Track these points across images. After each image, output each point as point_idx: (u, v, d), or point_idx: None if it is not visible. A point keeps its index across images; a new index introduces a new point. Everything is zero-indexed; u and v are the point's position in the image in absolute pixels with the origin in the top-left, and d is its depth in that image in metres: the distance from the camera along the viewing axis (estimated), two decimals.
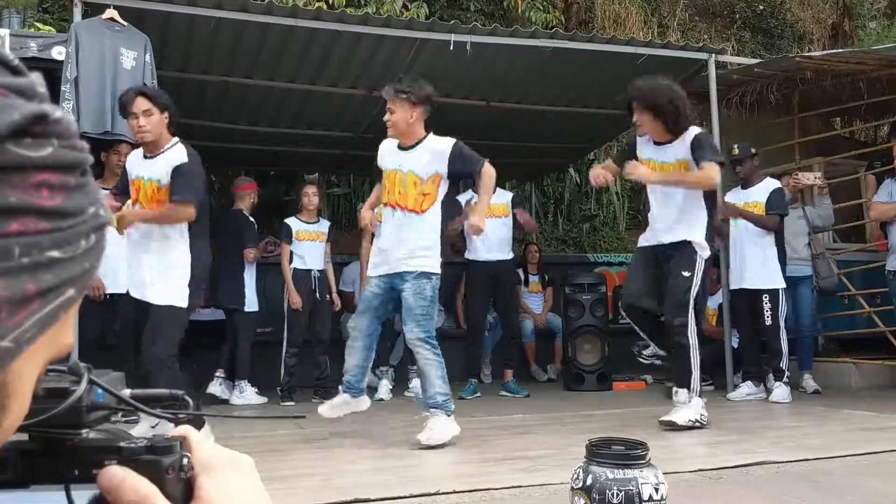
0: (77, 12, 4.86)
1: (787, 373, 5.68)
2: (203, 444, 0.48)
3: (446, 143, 4.22)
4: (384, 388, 6.41)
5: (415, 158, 4.18)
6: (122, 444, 0.46)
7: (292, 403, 5.94)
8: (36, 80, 0.41)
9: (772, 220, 5.80)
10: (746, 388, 5.78)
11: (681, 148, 4.50)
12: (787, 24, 12.59)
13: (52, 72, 4.66)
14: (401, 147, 4.23)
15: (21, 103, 0.39)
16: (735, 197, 6.01)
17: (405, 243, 4.09)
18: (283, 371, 6.07)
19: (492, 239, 6.13)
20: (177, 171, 4.01)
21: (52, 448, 0.46)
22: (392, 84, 4.27)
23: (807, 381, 6.09)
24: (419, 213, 4.13)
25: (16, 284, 0.38)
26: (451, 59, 5.97)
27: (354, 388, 4.29)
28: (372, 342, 4.29)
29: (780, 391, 5.60)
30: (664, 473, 2.11)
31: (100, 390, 0.47)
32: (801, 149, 7.20)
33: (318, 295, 6.24)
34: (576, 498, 2.07)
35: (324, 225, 6.42)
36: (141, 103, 3.96)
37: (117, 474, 0.44)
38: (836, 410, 5.12)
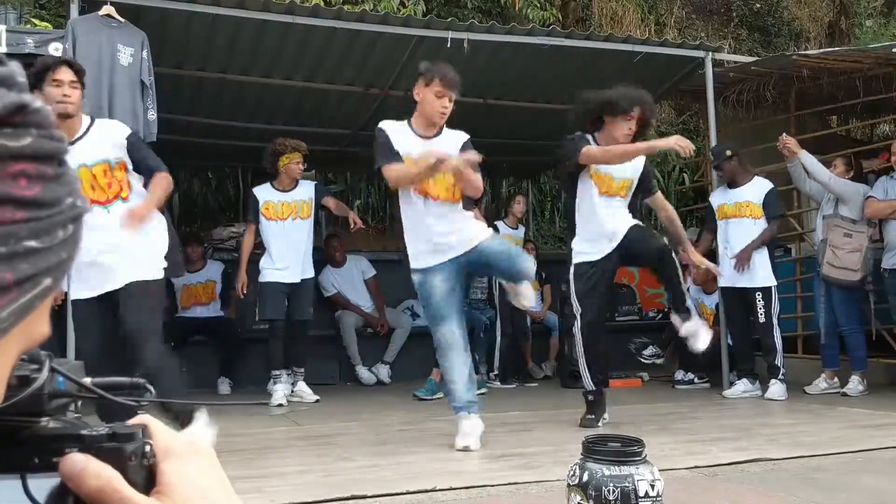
0: (74, 8, 4.85)
1: (782, 370, 5.67)
2: (164, 431, 0.48)
3: (462, 135, 4.10)
4: (384, 372, 6.85)
5: (447, 147, 3.96)
6: (84, 431, 0.45)
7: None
8: (15, 69, 0.41)
9: (774, 229, 5.80)
10: (742, 386, 5.79)
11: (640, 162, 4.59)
12: (784, 22, 12.60)
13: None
14: (423, 135, 3.98)
15: (2, 93, 0.39)
16: (724, 197, 5.95)
17: (456, 230, 3.92)
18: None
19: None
20: (132, 142, 3.71)
21: (11, 436, 0.46)
22: (453, 71, 3.94)
23: (852, 384, 5.72)
24: (453, 202, 3.96)
25: None
26: (449, 57, 5.93)
27: (474, 403, 3.93)
28: (467, 344, 3.96)
29: (776, 388, 5.61)
30: (660, 470, 2.12)
31: (60, 378, 0.47)
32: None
33: None
34: (572, 495, 2.08)
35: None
36: (67, 73, 3.52)
37: (78, 461, 0.44)
38: (831, 408, 5.14)
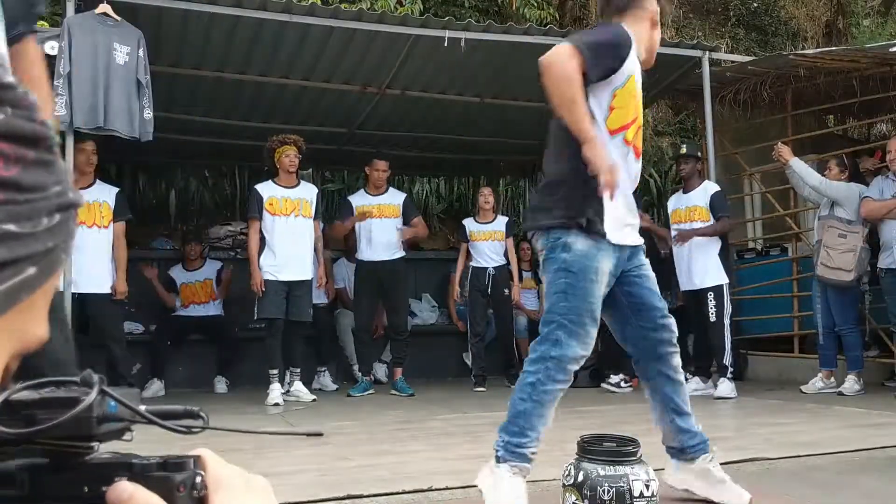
0: (70, 7, 4.85)
1: (730, 368, 5.77)
2: (219, 464, 0.47)
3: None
4: (381, 371, 6.92)
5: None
6: (134, 460, 0.45)
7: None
8: None
9: (722, 225, 5.89)
10: (694, 384, 5.84)
11: None
12: (781, 21, 12.60)
13: None
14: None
15: None
16: (677, 202, 6.11)
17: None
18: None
19: (379, 240, 6.23)
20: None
21: (62, 464, 0.45)
22: None
23: (848, 383, 5.72)
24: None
25: None
26: (446, 56, 5.97)
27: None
28: None
29: (725, 387, 5.70)
30: (655, 470, 2.13)
31: (112, 402, 0.46)
32: (795, 146, 7.20)
33: None
34: (567, 494, 2.07)
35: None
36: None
37: (126, 489, 0.43)
38: (827, 407, 5.14)
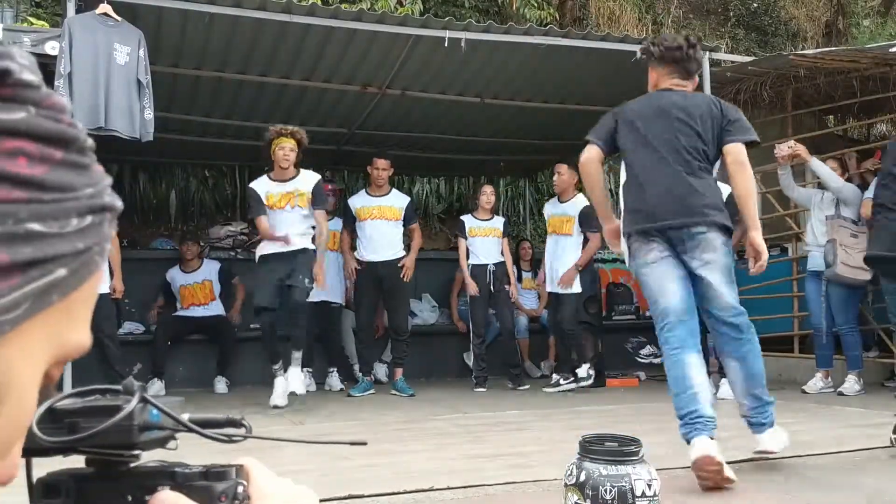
0: (71, 7, 4.84)
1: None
2: (264, 475, 0.47)
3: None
4: (381, 371, 6.86)
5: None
6: (176, 469, 0.45)
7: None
8: (14, 50, 0.39)
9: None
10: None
11: None
12: (781, 21, 12.61)
13: (45, 67, 4.63)
14: None
15: None
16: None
17: None
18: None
19: (379, 240, 6.24)
20: None
21: (106, 473, 0.45)
22: None
23: (848, 383, 5.71)
24: None
25: None
26: (446, 56, 5.97)
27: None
28: None
29: (725, 388, 5.75)
30: (656, 469, 2.13)
31: (154, 411, 0.46)
32: None
33: None
34: (569, 494, 2.08)
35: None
36: None
37: (168, 499, 0.43)
38: (827, 407, 5.15)
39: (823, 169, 5.94)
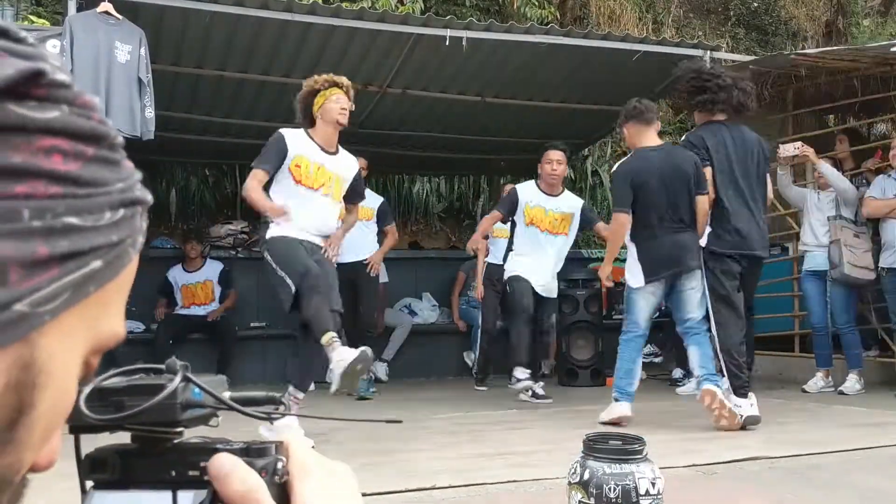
0: (72, 5, 4.84)
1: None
2: (304, 451, 0.48)
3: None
4: (382, 370, 6.79)
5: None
6: (218, 445, 0.46)
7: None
8: (47, 52, 0.40)
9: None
10: (693, 384, 5.96)
11: None
12: (782, 21, 12.61)
13: None
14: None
15: (13, 61, 0.38)
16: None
17: None
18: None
19: (350, 242, 5.72)
20: None
21: (151, 449, 0.47)
22: None
23: (849, 382, 5.71)
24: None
25: (25, 247, 0.37)
26: (447, 55, 5.97)
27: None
28: None
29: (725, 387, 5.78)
30: (661, 468, 2.13)
31: (196, 389, 0.47)
32: None
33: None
34: (573, 492, 2.08)
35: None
36: None
37: (227, 462, 0.44)
38: (827, 406, 5.15)
39: (832, 171, 5.94)
